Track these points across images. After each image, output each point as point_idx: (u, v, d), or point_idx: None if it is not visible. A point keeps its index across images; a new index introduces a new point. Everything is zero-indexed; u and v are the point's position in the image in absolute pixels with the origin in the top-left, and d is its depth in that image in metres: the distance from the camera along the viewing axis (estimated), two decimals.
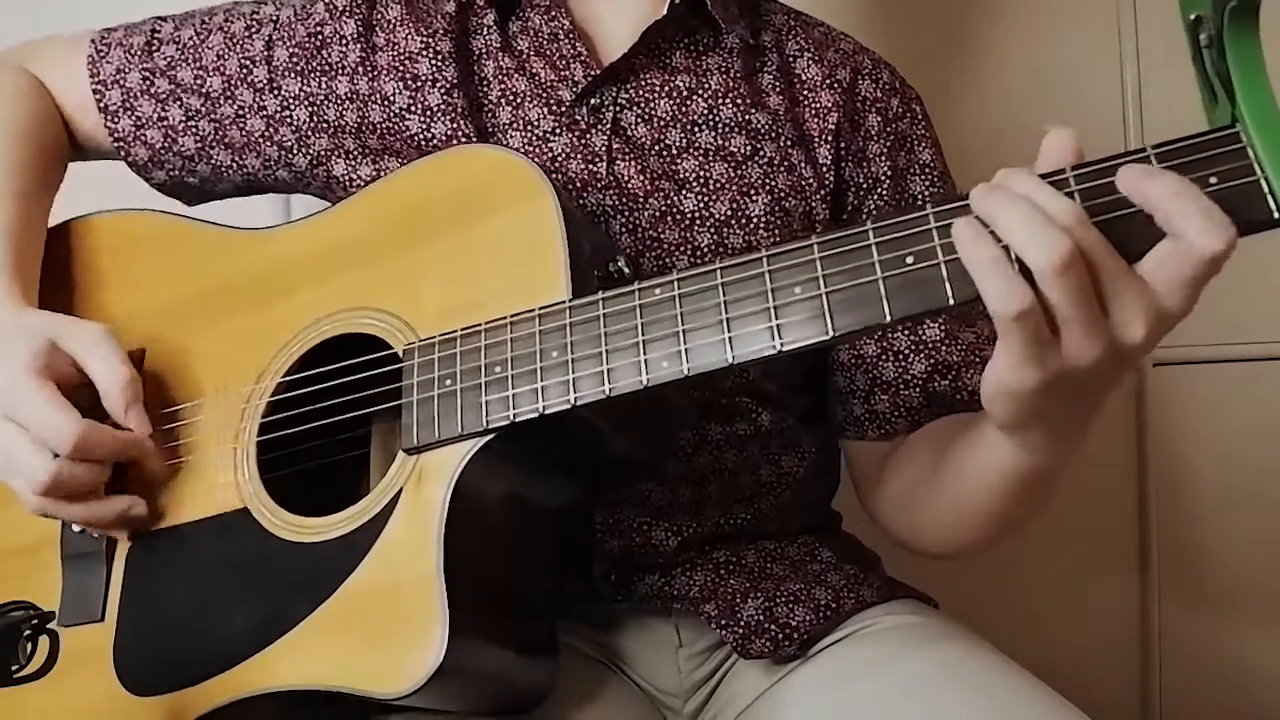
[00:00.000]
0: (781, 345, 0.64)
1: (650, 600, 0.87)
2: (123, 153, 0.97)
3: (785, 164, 0.90)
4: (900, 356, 0.90)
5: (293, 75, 0.93)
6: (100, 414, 0.78)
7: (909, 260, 0.61)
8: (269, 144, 0.94)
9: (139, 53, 0.96)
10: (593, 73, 0.89)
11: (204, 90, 0.94)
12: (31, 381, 0.75)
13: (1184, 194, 0.55)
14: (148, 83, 0.95)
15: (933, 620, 0.88)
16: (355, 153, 0.92)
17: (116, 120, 0.96)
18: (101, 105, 0.96)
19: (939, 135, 0.98)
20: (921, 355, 0.90)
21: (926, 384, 0.90)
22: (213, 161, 0.96)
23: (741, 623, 0.85)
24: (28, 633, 0.75)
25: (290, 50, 0.93)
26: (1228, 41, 0.55)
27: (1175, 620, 1.38)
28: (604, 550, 0.86)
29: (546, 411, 0.69)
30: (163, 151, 0.96)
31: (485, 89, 0.91)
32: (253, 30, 0.94)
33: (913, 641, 0.84)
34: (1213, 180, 0.56)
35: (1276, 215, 0.55)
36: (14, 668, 0.74)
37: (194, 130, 0.95)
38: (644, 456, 0.83)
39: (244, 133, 0.94)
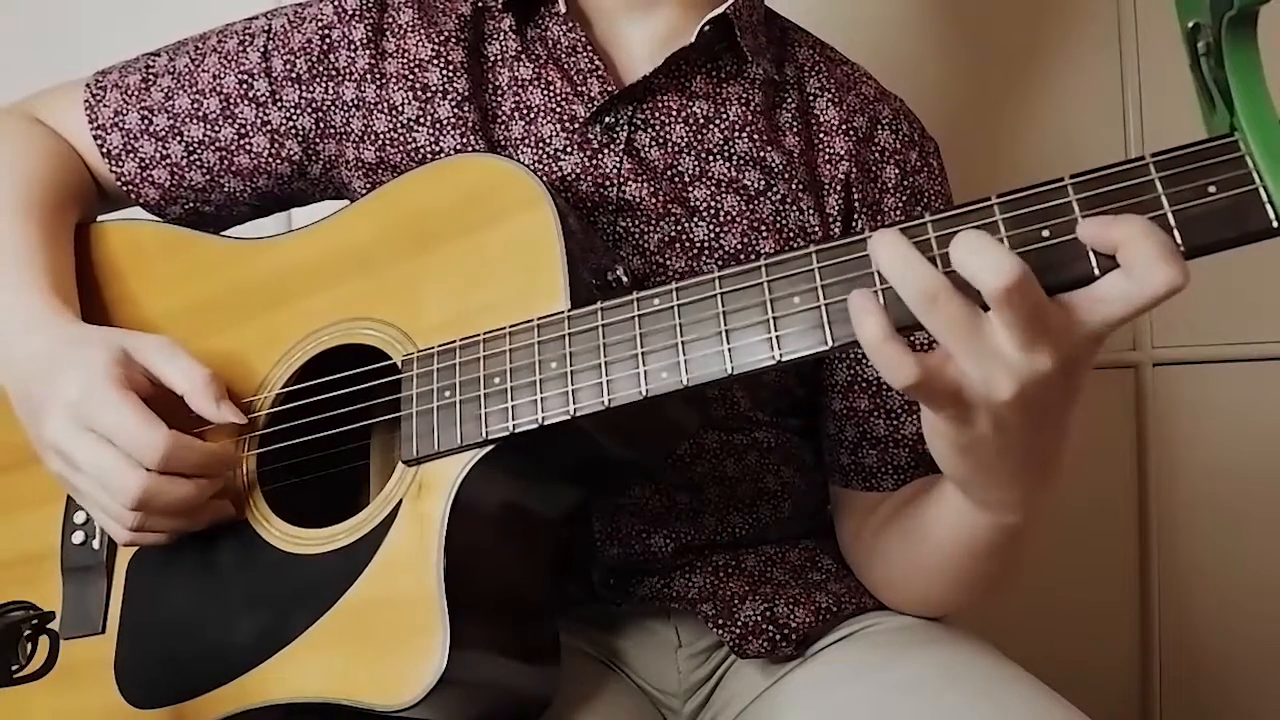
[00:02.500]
0: (781, 355, 0.64)
1: (649, 602, 0.87)
2: (133, 195, 0.95)
3: (796, 206, 0.89)
4: (893, 415, 0.90)
5: (292, 83, 0.91)
6: (180, 427, 0.75)
7: None
8: (277, 161, 0.92)
9: (135, 91, 0.94)
10: (610, 90, 0.88)
11: (203, 114, 0.92)
12: (112, 391, 0.73)
13: (1144, 235, 0.55)
14: (147, 121, 0.93)
15: (931, 622, 0.88)
16: (353, 163, 0.91)
17: (121, 164, 0.94)
18: (104, 150, 0.93)
19: (940, 139, 0.98)
20: (914, 416, 0.89)
21: (916, 445, 0.89)
22: (225, 190, 0.94)
23: (739, 622, 0.85)
24: (28, 633, 0.75)
25: (286, 58, 0.91)
26: (1226, 50, 0.54)
27: (1175, 620, 1.38)
28: (603, 557, 0.86)
29: (546, 422, 0.69)
30: (172, 189, 0.94)
31: (498, 99, 0.89)
32: (246, 44, 0.93)
33: (912, 642, 0.85)
34: (1211, 189, 0.56)
35: (1275, 224, 0.55)
36: (14, 668, 0.74)
37: (199, 163, 0.93)
38: (643, 464, 0.82)
39: (251, 155, 0.92)
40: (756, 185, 0.89)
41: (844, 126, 0.92)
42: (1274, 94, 0.55)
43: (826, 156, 0.91)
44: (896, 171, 0.92)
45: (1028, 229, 0.59)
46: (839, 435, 0.91)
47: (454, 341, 0.74)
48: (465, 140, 0.87)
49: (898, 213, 0.92)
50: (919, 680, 0.80)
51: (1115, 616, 1.39)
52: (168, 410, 0.75)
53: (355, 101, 0.90)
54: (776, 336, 0.64)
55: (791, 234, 0.89)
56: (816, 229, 0.90)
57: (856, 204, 0.91)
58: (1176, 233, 0.56)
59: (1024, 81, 1.38)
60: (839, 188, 0.91)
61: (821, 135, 0.92)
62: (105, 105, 0.94)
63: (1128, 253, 0.56)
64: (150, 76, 0.94)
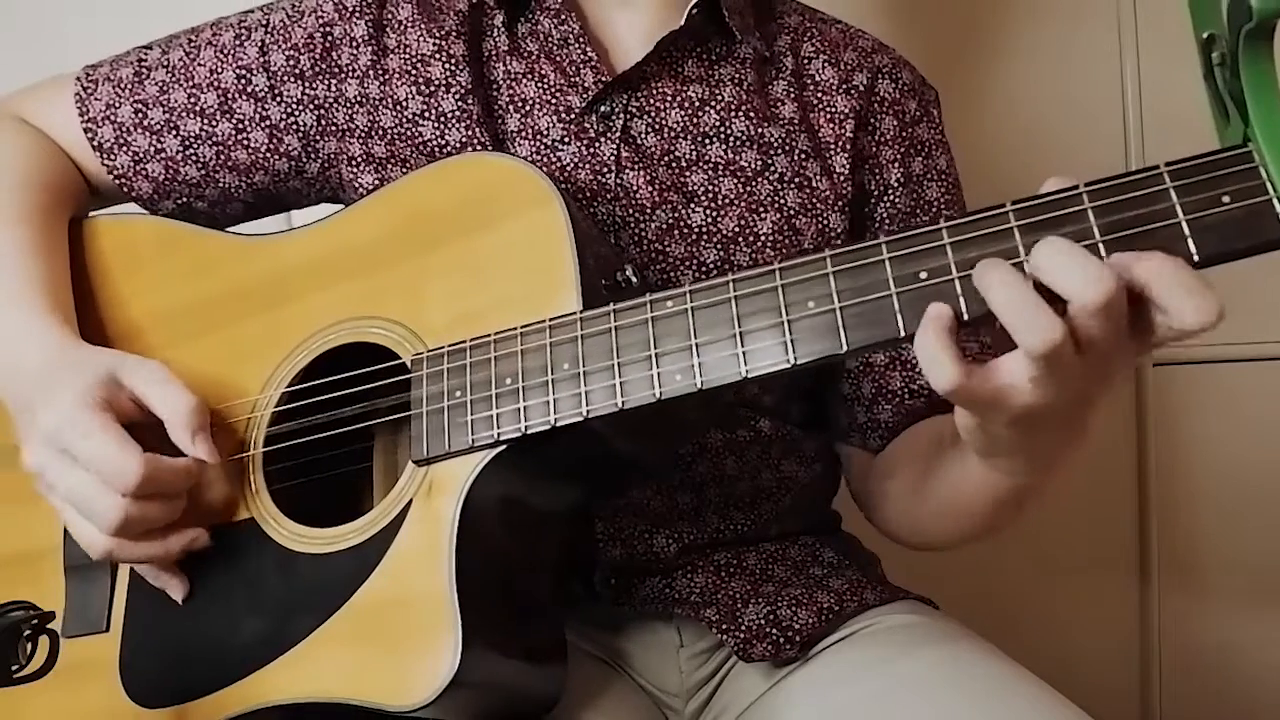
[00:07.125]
0: (795, 359, 0.64)
1: (652, 603, 0.87)
2: (125, 189, 0.94)
3: (797, 180, 0.90)
4: (908, 367, 0.91)
5: (294, 79, 0.91)
6: (168, 451, 0.75)
7: (922, 275, 0.61)
8: (276, 156, 0.92)
9: (128, 85, 0.93)
10: (603, 79, 0.88)
11: (200, 109, 0.91)
12: (90, 416, 0.72)
13: (1170, 275, 0.55)
14: (140, 115, 0.92)
15: (933, 620, 0.89)
16: (360, 159, 0.90)
17: (113, 157, 0.93)
18: (95, 144, 0.93)
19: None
20: None
21: (932, 394, 0.89)
22: (220, 185, 0.93)
23: (743, 627, 0.85)
24: (27, 633, 0.75)
25: (288, 54, 0.91)
26: (1242, 62, 0.55)
27: (1175, 620, 1.39)
28: (605, 558, 0.86)
29: (558, 424, 0.69)
30: (166, 183, 0.93)
31: (495, 93, 0.90)
32: (243, 38, 0.92)
33: (913, 641, 0.85)
34: (1225, 199, 0.56)
35: None
36: (14, 668, 0.74)
37: (195, 158, 0.92)
38: (652, 464, 0.82)
39: (248, 150, 0.92)
40: (754, 165, 0.89)
41: (844, 85, 0.92)
42: None
43: (828, 116, 0.92)
44: (895, 123, 0.93)
45: (1043, 236, 0.59)
46: (855, 393, 0.92)
47: (464, 341, 0.73)
48: (470, 133, 0.87)
49: (895, 165, 0.92)
50: (919, 680, 0.80)
51: (1115, 616, 1.40)
52: (160, 435, 0.75)
53: (359, 98, 0.90)
54: (791, 340, 0.64)
55: (793, 211, 0.89)
56: (827, 193, 0.90)
57: (860, 159, 0.92)
58: (1190, 242, 0.57)
59: (1024, 83, 1.38)
60: (846, 145, 0.91)
61: (820, 95, 0.92)
62: (96, 99, 0.93)
63: (1156, 291, 0.55)
64: (143, 70, 0.93)
